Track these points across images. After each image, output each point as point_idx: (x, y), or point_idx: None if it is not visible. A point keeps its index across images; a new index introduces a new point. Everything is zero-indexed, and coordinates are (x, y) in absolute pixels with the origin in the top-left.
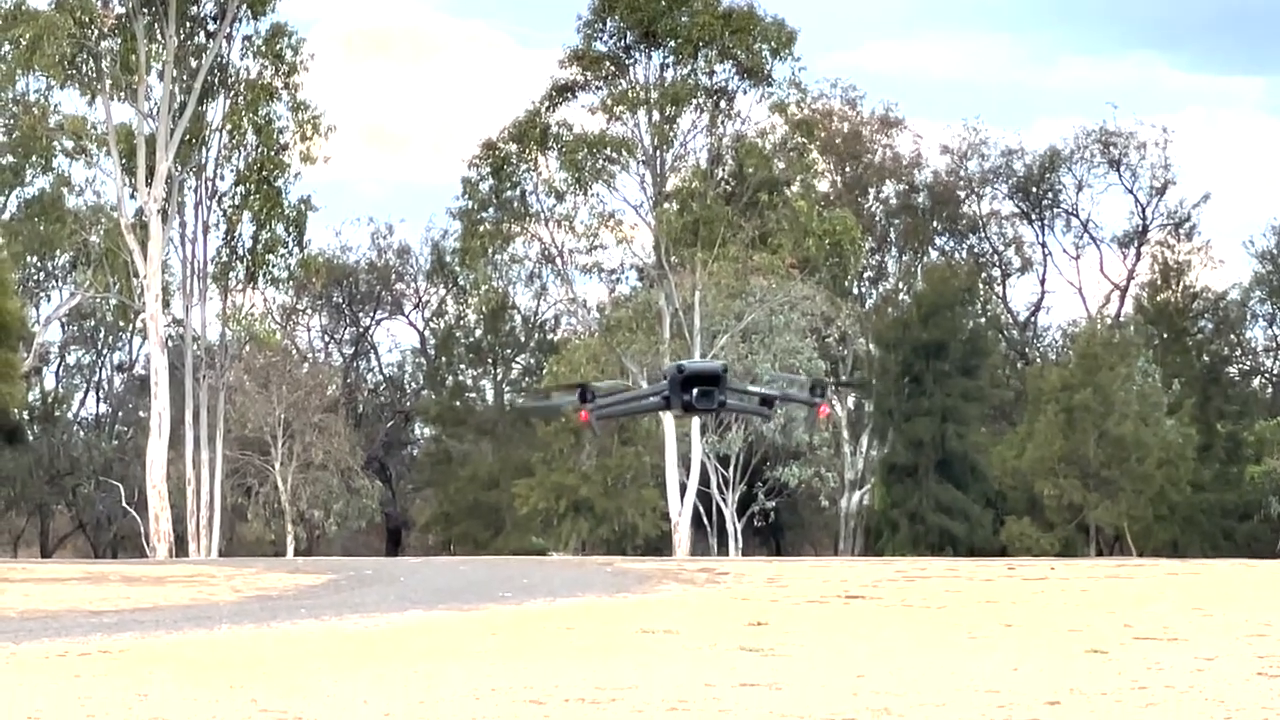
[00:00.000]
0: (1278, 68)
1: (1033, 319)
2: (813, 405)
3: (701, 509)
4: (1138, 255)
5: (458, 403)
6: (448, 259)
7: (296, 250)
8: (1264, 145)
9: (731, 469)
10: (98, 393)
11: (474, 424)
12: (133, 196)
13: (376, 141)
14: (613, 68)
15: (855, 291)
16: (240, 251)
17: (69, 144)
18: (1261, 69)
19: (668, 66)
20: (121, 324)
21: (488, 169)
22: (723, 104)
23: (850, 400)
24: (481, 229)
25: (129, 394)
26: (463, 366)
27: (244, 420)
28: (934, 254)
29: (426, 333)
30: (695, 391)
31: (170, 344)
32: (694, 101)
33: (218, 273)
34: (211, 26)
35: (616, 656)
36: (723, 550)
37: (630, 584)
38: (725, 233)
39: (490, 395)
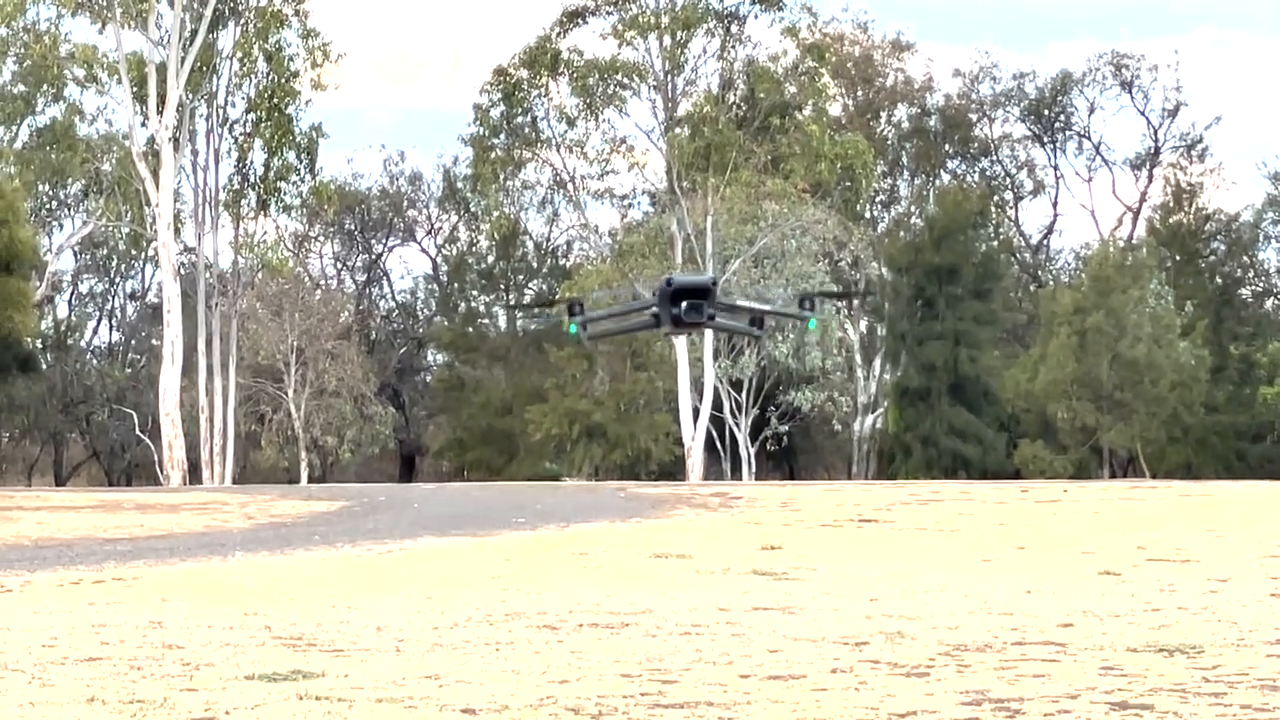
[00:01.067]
0: None
1: (1045, 242)
2: (802, 319)
3: (714, 434)
4: (1150, 177)
5: (470, 329)
6: (459, 185)
7: (308, 178)
8: (1276, 66)
9: (744, 393)
10: (110, 321)
11: (486, 350)
12: (144, 125)
13: (387, 68)
14: None
15: (867, 215)
16: (252, 179)
17: (80, 73)
18: None
19: None
20: (134, 252)
21: (499, 95)
22: (734, 28)
23: (863, 324)
24: (493, 155)
25: (142, 322)
26: (475, 293)
27: (257, 348)
28: (946, 177)
29: (439, 259)
30: (684, 304)
31: (183, 272)
32: (705, 26)
33: (229, 200)
34: None
35: (630, 581)
36: (736, 475)
37: (643, 509)
38: (737, 157)
39: (503, 321)
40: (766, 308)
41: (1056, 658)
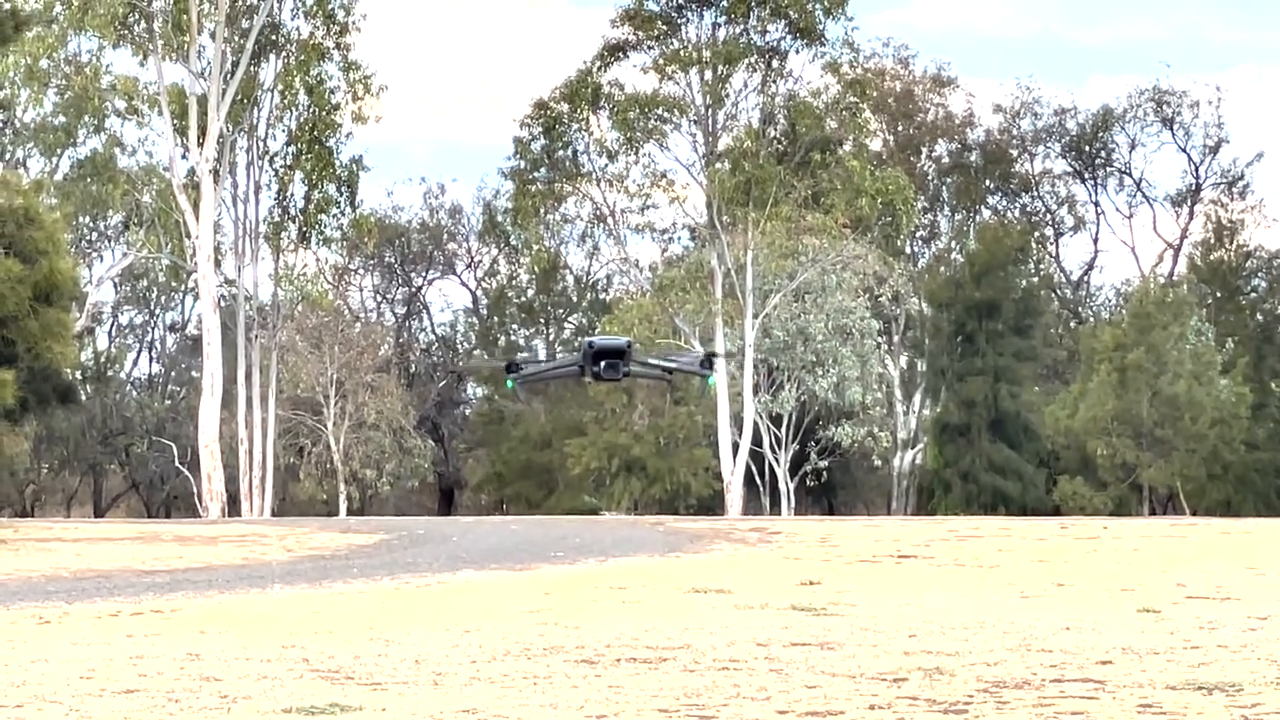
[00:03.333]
0: None
1: (1085, 278)
2: (702, 375)
3: (754, 468)
4: (1191, 214)
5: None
6: (500, 219)
7: (348, 210)
8: None
9: (784, 428)
10: (150, 353)
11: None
12: (184, 157)
13: (429, 101)
14: (665, 27)
15: (908, 251)
16: (292, 211)
17: (121, 104)
18: None
19: (720, 26)
20: (174, 284)
21: (539, 129)
22: (775, 63)
23: (903, 359)
24: (533, 189)
25: (181, 354)
26: (515, 326)
27: (296, 380)
28: (986, 213)
29: (478, 292)
30: (603, 364)
31: (222, 304)
32: (746, 61)
33: (270, 232)
34: None
35: (668, 616)
36: (775, 510)
37: (682, 544)
38: (778, 192)
39: (543, 355)
40: (672, 364)
41: (1095, 695)
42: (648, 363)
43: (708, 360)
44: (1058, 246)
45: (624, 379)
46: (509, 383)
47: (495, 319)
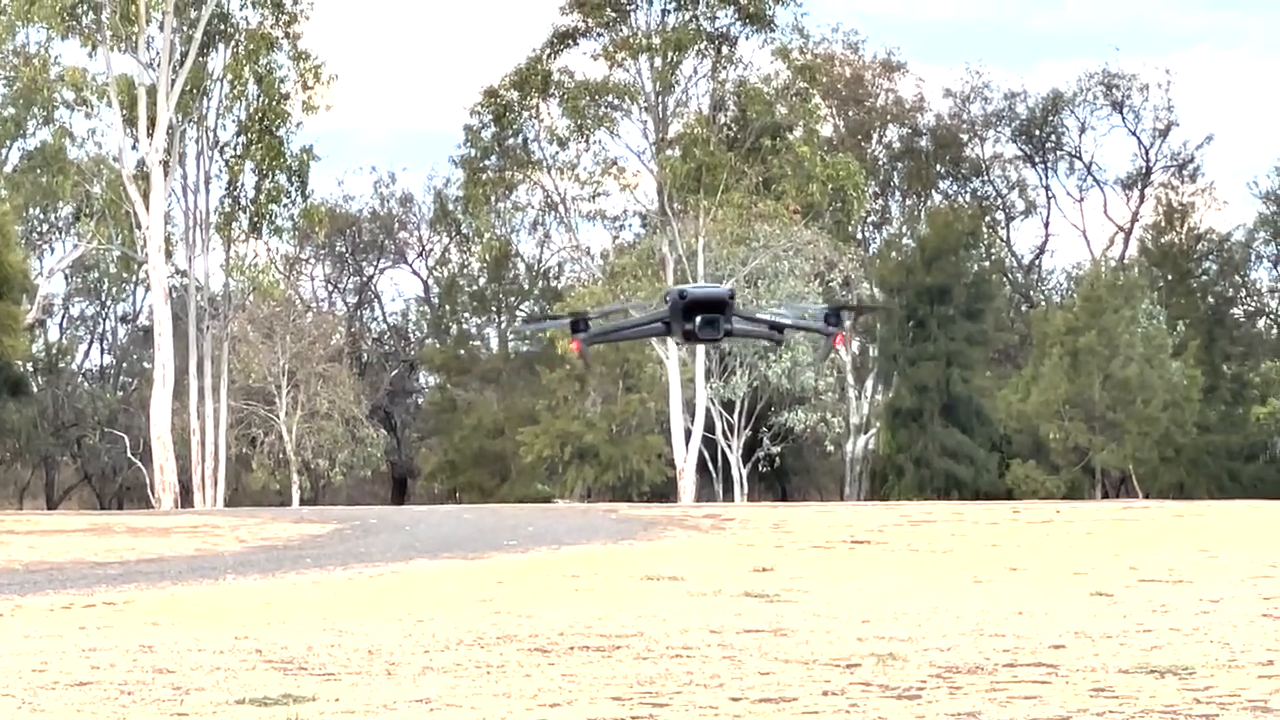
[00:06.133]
0: (1276, 6)
1: (1037, 262)
2: (828, 335)
3: (706, 455)
4: (1141, 197)
5: (462, 351)
6: (451, 207)
7: (299, 200)
8: (1268, 84)
9: (736, 414)
10: (102, 344)
11: (478, 372)
12: (134, 148)
13: (379, 90)
14: (614, 14)
15: (859, 236)
16: (243, 202)
17: (70, 95)
18: (1264, 6)
19: (669, 12)
20: (125, 275)
21: (490, 117)
22: (725, 50)
23: (855, 345)
24: (484, 177)
25: (133, 345)
26: (466, 315)
27: (248, 370)
28: (937, 198)
29: (430, 281)
30: (699, 319)
31: (174, 295)
32: (696, 47)
33: (220, 223)
34: None
35: (621, 603)
36: (728, 496)
37: (635, 531)
38: (728, 179)
39: (494, 343)
40: (788, 320)
41: (1048, 679)
42: (756, 318)
43: (835, 315)
44: (1009, 230)
45: (724, 339)
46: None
47: (447, 307)
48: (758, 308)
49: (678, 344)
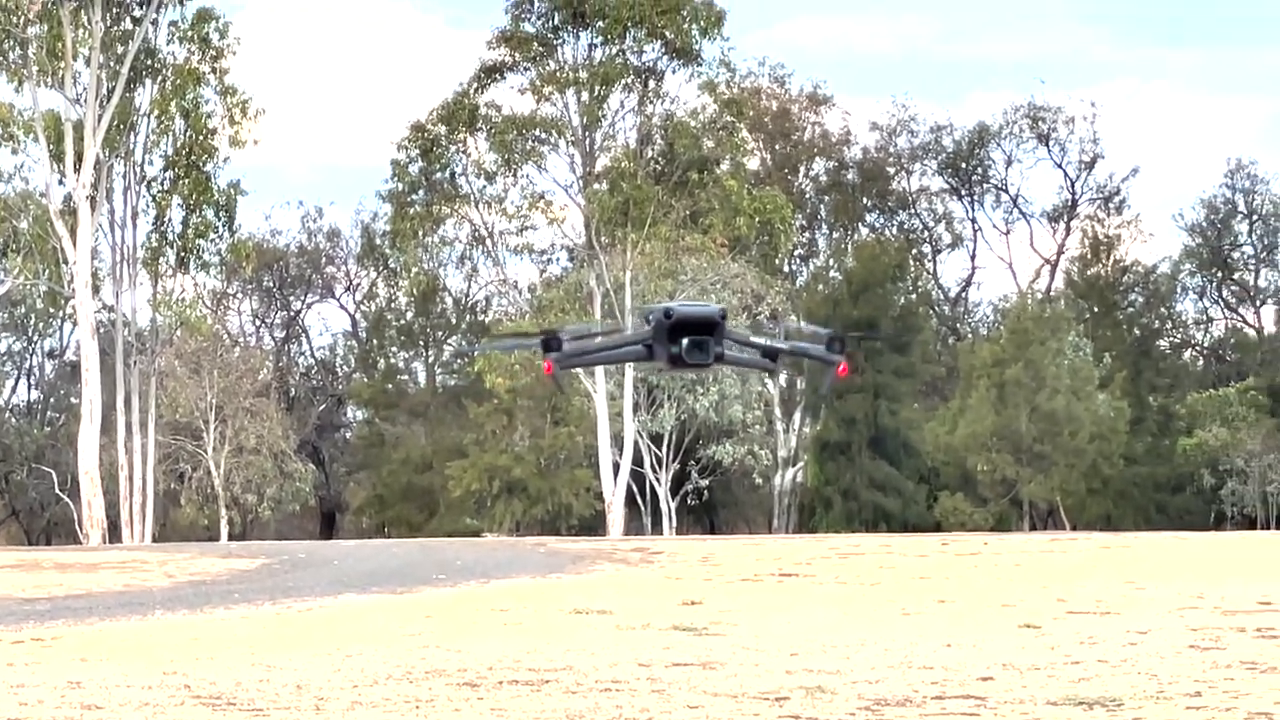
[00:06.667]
0: (1205, 39)
1: (964, 294)
2: (830, 364)
3: (635, 488)
4: (1067, 230)
5: (390, 385)
6: (378, 241)
7: (226, 235)
8: (1193, 117)
9: (664, 447)
10: (29, 379)
11: (406, 406)
12: (61, 183)
13: (307, 124)
14: (541, 48)
15: (786, 269)
16: (170, 237)
17: None
18: (1190, 40)
19: (596, 46)
20: (52, 310)
21: (417, 151)
22: (652, 84)
23: (782, 378)
24: (411, 211)
25: (60, 380)
26: (394, 349)
27: (175, 405)
28: (864, 231)
29: (358, 315)
30: (686, 342)
31: (101, 330)
32: (623, 81)
33: (148, 258)
34: (138, 12)
35: (550, 637)
36: (657, 529)
37: (564, 564)
38: (656, 212)
39: (422, 378)
40: (784, 346)
41: (976, 711)
42: (750, 343)
43: (838, 342)
44: (935, 263)
45: (714, 365)
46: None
47: (374, 342)
48: (750, 330)
49: (660, 370)
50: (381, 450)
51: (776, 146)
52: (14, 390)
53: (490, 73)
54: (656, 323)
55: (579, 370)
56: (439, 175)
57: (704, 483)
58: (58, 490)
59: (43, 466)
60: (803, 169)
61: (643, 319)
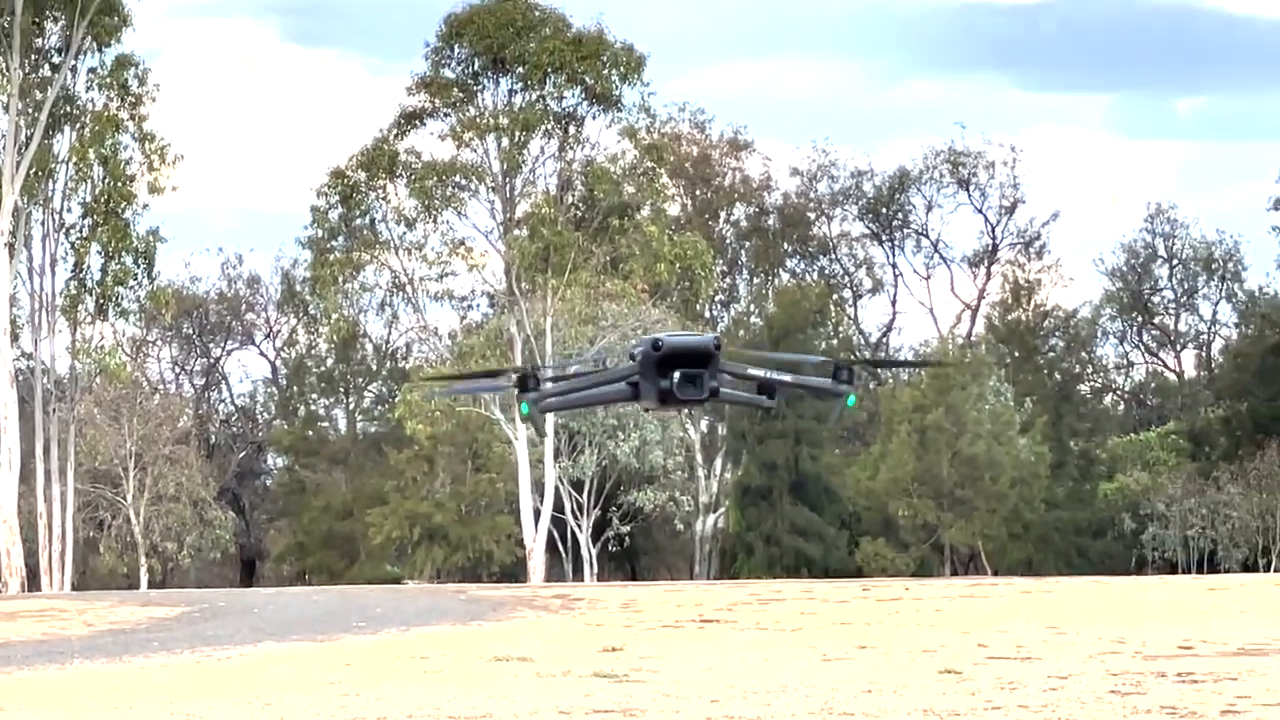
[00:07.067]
0: (1122, 84)
1: (884, 339)
2: (838, 394)
3: (556, 534)
4: (988, 274)
5: (310, 432)
6: (298, 288)
7: (146, 282)
8: (1111, 162)
9: (585, 494)
10: None
11: (327, 453)
12: None
13: (226, 171)
14: (461, 94)
15: (707, 315)
16: (89, 284)
17: None
18: (1106, 86)
19: (516, 92)
20: None
21: (337, 197)
22: (572, 129)
23: (704, 423)
24: (331, 258)
25: None
26: (314, 396)
27: (95, 453)
28: (785, 276)
29: (278, 362)
30: (677, 376)
31: (19, 378)
32: (543, 127)
33: (66, 305)
34: (56, 59)
35: (470, 685)
36: (578, 576)
37: (484, 612)
38: (576, 258)
39: (343, 424)
40: (787, 379)
41: None
42: (748, 375)
43: (846, 372)
44: (856, 308)
45: (709, 401)
46: (523, 407)
47: (295, 388)
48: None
49: (647, 410)
50: (302, 497)
51: (697, 192)
52: None
53: (410, 119)
54: (644, 355)
55: (499, 416)
56: (359, 221)
57: (625, 529)
58: None
59: None
60: (723, 214)
61: (627, 357)
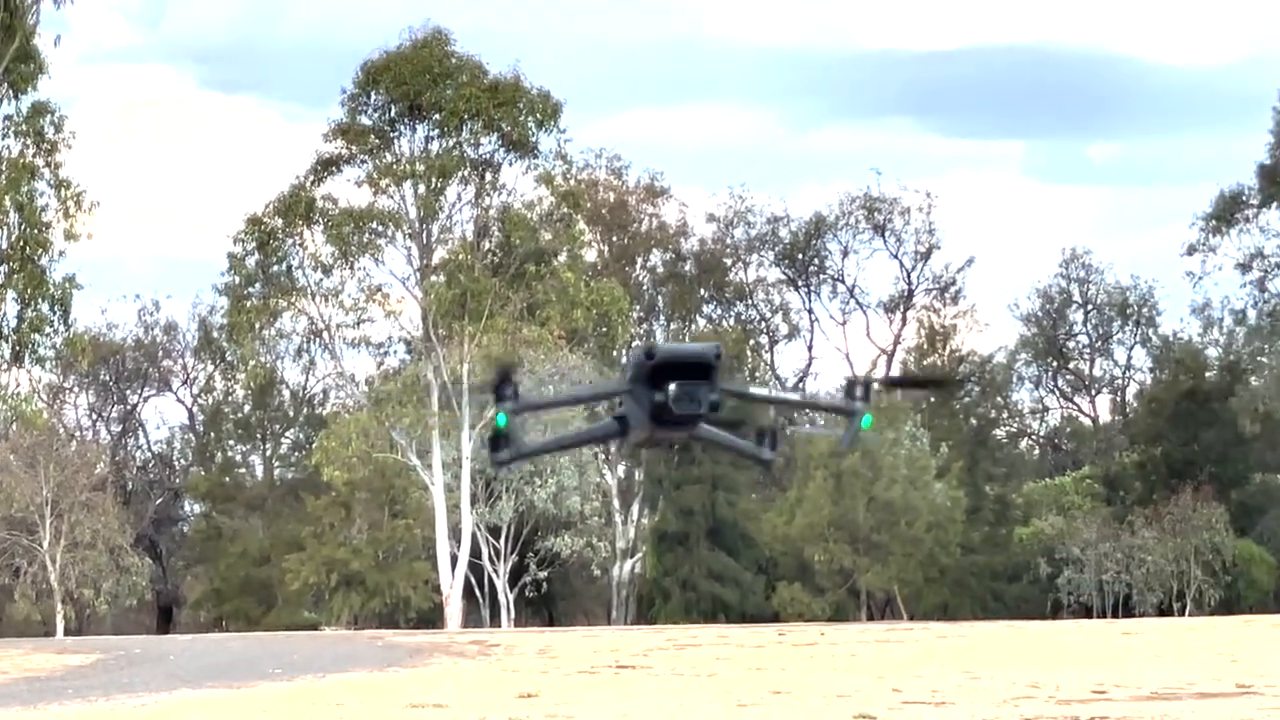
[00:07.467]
0: (1037, 131)
1: (801, 385)
2: (852, 413)
3: (473, 580)
4: (904, 320)
5: (227, 479)
6: (215, 335)
7: (62, 329)
8: (1027, 208)
9: (503, 539)
10: None
11: (244, 500)
12: None
13: (143, 218)
14: (378, 141)
15: (624, 361)
16: (4, 331)
17: None
18: (1021, 132)
19: (433, 139)
20: None
21: (254, 244)
22: (489, 176)
23: (621, 469)
24: (248, 304)
25: None
26: (231, 442)
27: (10, 500)
28: (701, 322)
29: (195, 409)
30: (673, 389)
31: None
32: (460, 174)
33: None
34: None
35: None
36: (495, 622)
37: (401, 658)
38: (493, 304)
39: (260, 471)
40: (795, 397)
41: None
42: (751, 395)
43: (860, 387)
44: (773, 354)
45: (705, 422)
46: (499, 419)
47: (212, 435)
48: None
49: (637, 446)
50: (219, 543)
51: (614, 238)
52: None
53: (327, 165)
54: (635, 364)
55: (416, 462)
56: (276, 268)
57: (542, 574)
58: None
59: None
60: (640, 260)
61: (620, 374)
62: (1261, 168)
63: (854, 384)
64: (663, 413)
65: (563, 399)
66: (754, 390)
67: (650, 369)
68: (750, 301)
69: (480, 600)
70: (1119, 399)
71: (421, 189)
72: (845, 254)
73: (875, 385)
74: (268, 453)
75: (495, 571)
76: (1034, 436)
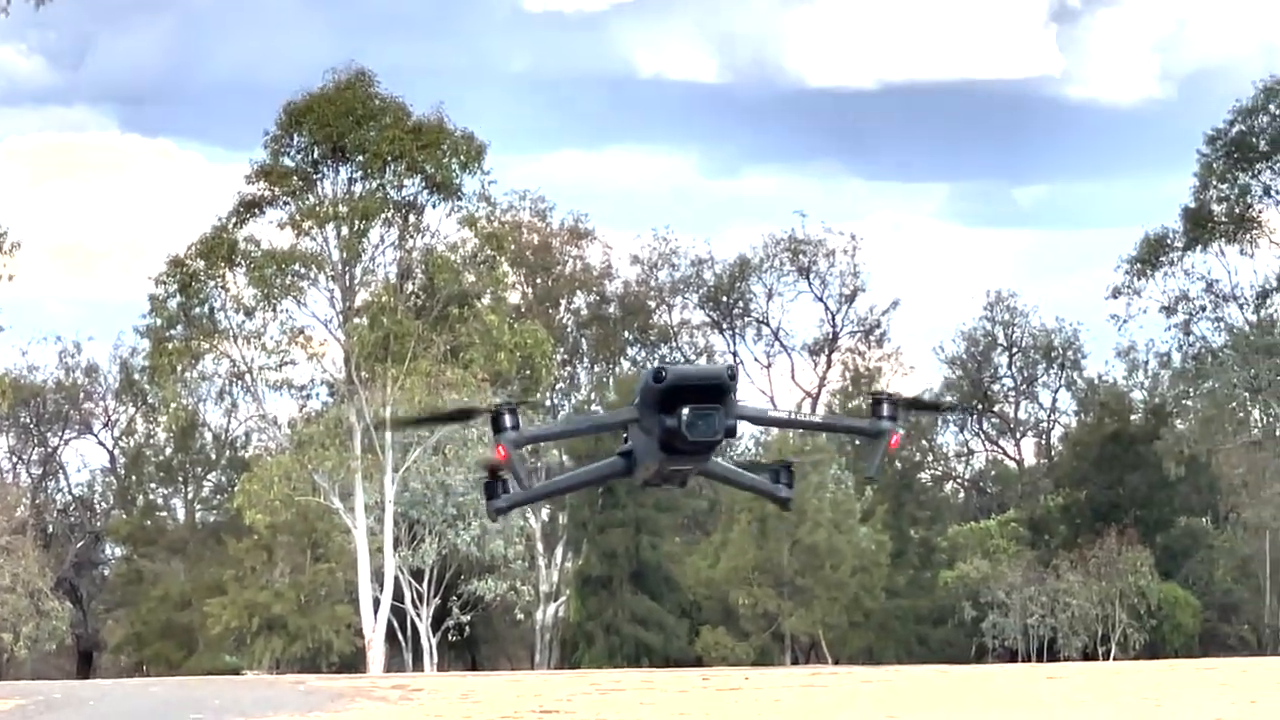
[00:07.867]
0: (961, 173)
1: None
2: (877, 435)
3: (396, 624)
4: (829, 363)
5: (149, 522)
6: (136, 377)
7: None
8: (950, 250)
9: (426, 583)
10: None
11: (165, 543)
12: None
13: (65, 260)
14: (301, 183)
15: (548, 403)
16: None
17: None
18: (945, 175)
19: (356, 181)
20: None
21: (175, 286)
22: (412, 218)
23: (544, 512)
24: (170, 346)
25: None
26: (153, 485)
27: None
28: (626, 364)
29: (116, 451)
30: (686, 413)
31: None
32: (383, 216)
33: None
34: None
35: None
36: (417, 666)
37: (322, 703)
38: (416, 347)
39: (181, 514)
40: (815, 419)
41: None
42: (769, 419)
43: (886, 404)
44: None
45: (716, 450)
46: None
47: (133, 478)
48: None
49: (645, 484)
50: (140, 587)
51: (538, 280)
52: None
53: (249, 207)
54: (644, 388)
55: (339, 505)
56: (198, 310)
57: (465, 618)
58: None
59: None
60: (564, 303)
61: (629, 402)
62: (1186, 210)
63: (880, 401)
64: (675, 440)
65: (567, 430)
66: (772, 414)
67: (660, 393)
68: (675, 344)
69: (403, 644)
70: (1044, 442)
71: (344, 231)
72: (770, 296)
73: (901, 406)
74: (189, 496)
75: (418, 615)
76: (959, 480)
